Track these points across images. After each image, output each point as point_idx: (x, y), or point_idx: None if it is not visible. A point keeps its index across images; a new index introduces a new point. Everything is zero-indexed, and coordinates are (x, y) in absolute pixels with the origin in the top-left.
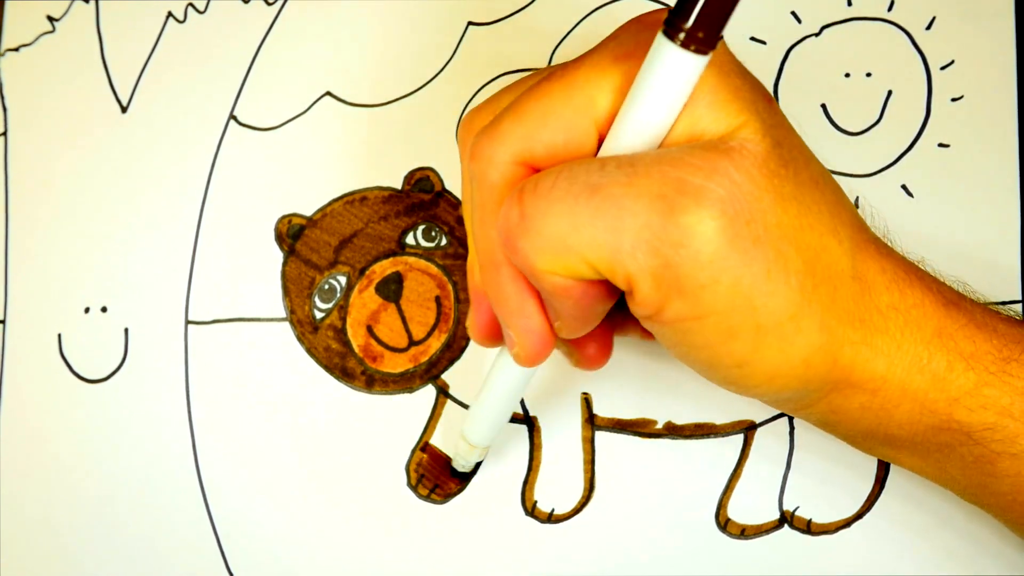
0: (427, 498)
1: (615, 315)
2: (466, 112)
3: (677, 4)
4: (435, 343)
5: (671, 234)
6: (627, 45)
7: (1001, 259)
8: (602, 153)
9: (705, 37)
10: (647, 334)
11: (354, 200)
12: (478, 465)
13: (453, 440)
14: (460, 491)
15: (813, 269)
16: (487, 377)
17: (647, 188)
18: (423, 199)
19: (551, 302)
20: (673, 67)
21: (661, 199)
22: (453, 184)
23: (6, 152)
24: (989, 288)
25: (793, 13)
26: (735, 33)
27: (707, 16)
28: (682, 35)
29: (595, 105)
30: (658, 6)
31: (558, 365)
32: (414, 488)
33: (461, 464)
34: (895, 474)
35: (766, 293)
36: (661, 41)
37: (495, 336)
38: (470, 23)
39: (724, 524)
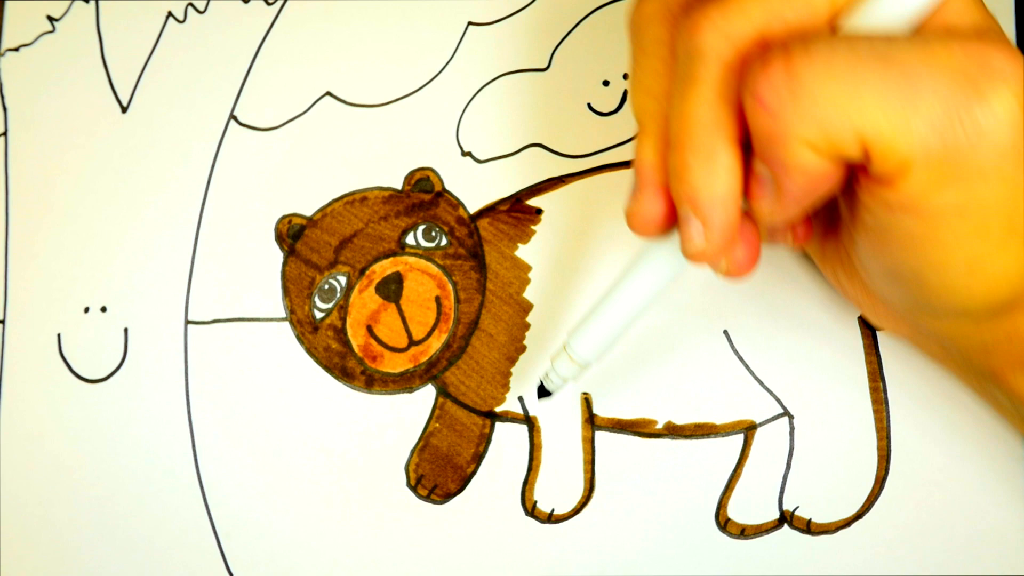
0: (427, 498)
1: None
2: None
3: None
4: (435, 343)
5: (974, 115)
6: None
7: None
8: (845, 34)
9: None
10: (799, 241)
11: (354, 200)
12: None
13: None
14: (460, 491)
15: None
16: (617, 284)
17: (949, 63)
18: (423, 199)
19: (781, 180)
20: None
21: (965, 76)
22: (453, 184)
23: (6, 152)
24: None
25: None
26: None
27: None
28: None
29: None
30: None
31: None
32: (414, 488)
33: (554, 382)
34: (895, 474)
35: None
36: None
37: (664, 224)
38: (470, 23)
39: (724, 524)
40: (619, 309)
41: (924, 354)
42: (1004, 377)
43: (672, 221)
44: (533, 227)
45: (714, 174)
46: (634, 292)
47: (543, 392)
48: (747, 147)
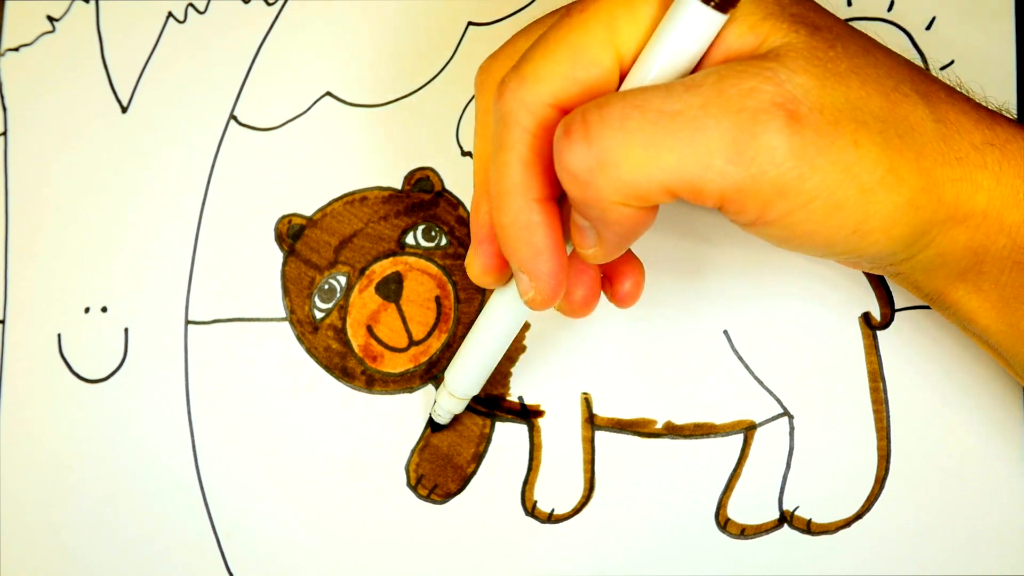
0: (427, 498)
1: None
2: (485, 60)
3: None
4: (435, 343)
5: (760, 142)
6: None
7: None
8: (632, 85)
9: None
10: (629, 297)
11: (354, 200)
12: (455, 418)
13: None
14: (460, 491)
15: (894, 124)
16: (476, 326)
17: (725, 105)
18: (423, 199)
19: (601, 231)
20: (698, 23)
21: (741, 112)
22: (453, 184)
23: (6, 152)
24: None
25: None
26: None
27: None
28: None
29: (618, 37)
30: None
31: (559, 364)
32: (414, 488)
33: (440, 415)
34: (895, 474)
35: (859, 159)
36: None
37: (498, 276)
38: (470, 23)
39: (724, 524)
40: (480, 348)
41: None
42: (947, 295)
43: (502, 271)
44: None
45: (529, 234)
46: (490, 332)
47: (435, 426)
48: (563, 197)
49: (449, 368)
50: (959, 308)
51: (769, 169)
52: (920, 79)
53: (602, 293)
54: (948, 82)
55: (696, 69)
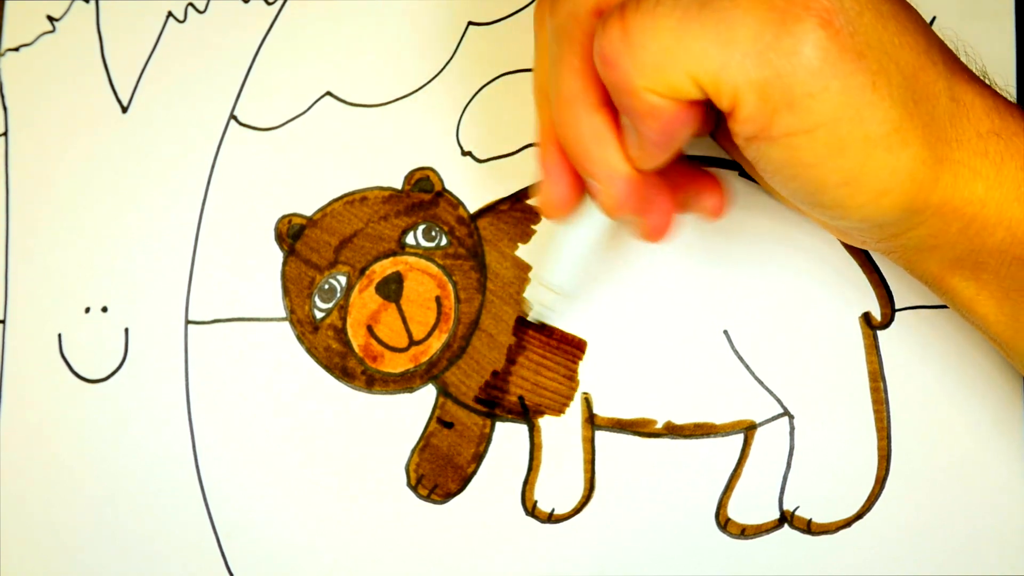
0: (427, 498)
1: (681, 185)
2: None
3: None
4: (435, 343)
5: (783, 43)
6: None
7: None
8: None
9: None
10: (715, 208)
11: (354, 200)
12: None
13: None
14: (460, 491)
15: (912, 85)
16: (561, 229)
17: (758, 2)
18: (423, 199)
19: (639, 126)
20: None
21: (772, 9)
22: (453, 184)
23: (6, 152)
24: None
25: None
26: None
27: None
28: None
29: None
30: None
31: (556, 365)
32: (414, 488)
33: (542, 313)
34: (895, 474)
35: (871, 104)
36: None
37: (570, 204)
38: (470, 23)
39: (724, 524)
40: (573, 251)
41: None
42: (944, 280)
43: (574, 198)
44: (534, 226)
45: (593, 135)
46: (581, 238)
47: (530, 323)
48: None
49: (539, 266)
50: (957, 295)
51: (787, 73)
52: (948, 54)
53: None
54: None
55: None
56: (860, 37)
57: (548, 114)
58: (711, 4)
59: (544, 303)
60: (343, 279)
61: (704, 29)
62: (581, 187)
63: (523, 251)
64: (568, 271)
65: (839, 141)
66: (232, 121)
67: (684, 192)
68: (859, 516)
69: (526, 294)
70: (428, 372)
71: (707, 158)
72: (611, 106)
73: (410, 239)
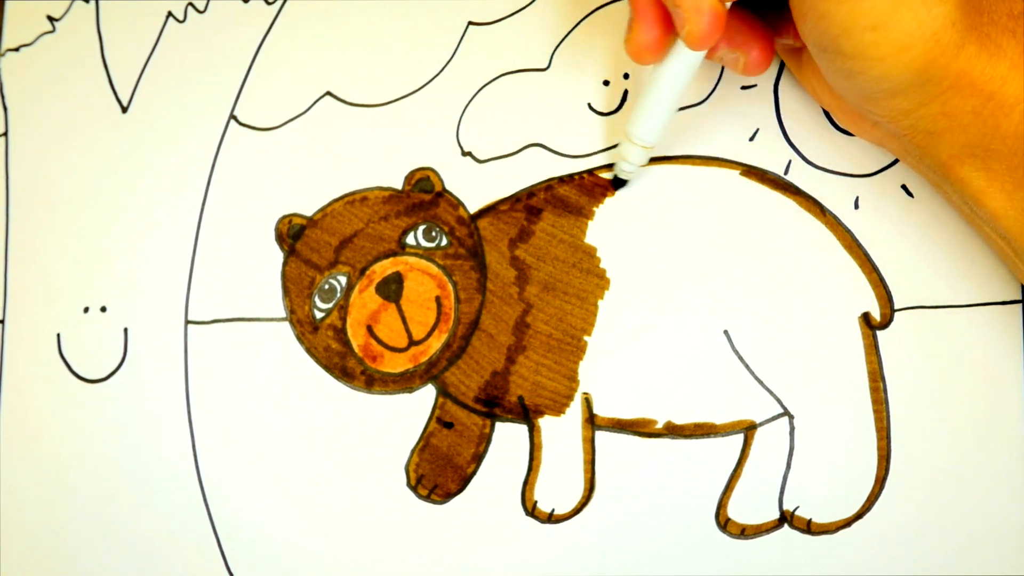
0: (427, 498)
1: (774, 22)
2: None
3: None
4: (435, 343)
5: None
6: None
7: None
8: None
9: None
10: (800, 38)
11: (354, 200)
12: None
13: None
14: (460, 491)
15: None
16: (647, 84)
17: None
18: (423, 199)
19: None
20: None
21: None
22: (453, 184)
23: (6, 152)
24: (989, 288)
25: None
26: None
27: None
28: None
29: None
30: None
31: (556, 365)
32: (414, 488)
33: (625, 169)
34: (895, 474)
35: None
36: None
37: (659, 46)
38: (470, 23)
39: (724, 524)
40: (659, 100)
41: (890, 152)
42: (953, 170)
43: (667, 39)
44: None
45: None
46: (668, 85)
47: (619, 183)
48: None
49: (630, 122)
50: (966, 187)
51: None
52: None
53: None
54: None
55: None
56: None
57: None
58: None
59: (632, 160)
60: (343, 279)
61: None
62: (669, 29)
63: (523, 251)
64: (657, 121)
65: None
66: (232, 121)
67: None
68: (859, 516)
69: (614, 154)
70: (428, 372)
71: (708, 157)
72: None
73: (410, 239)
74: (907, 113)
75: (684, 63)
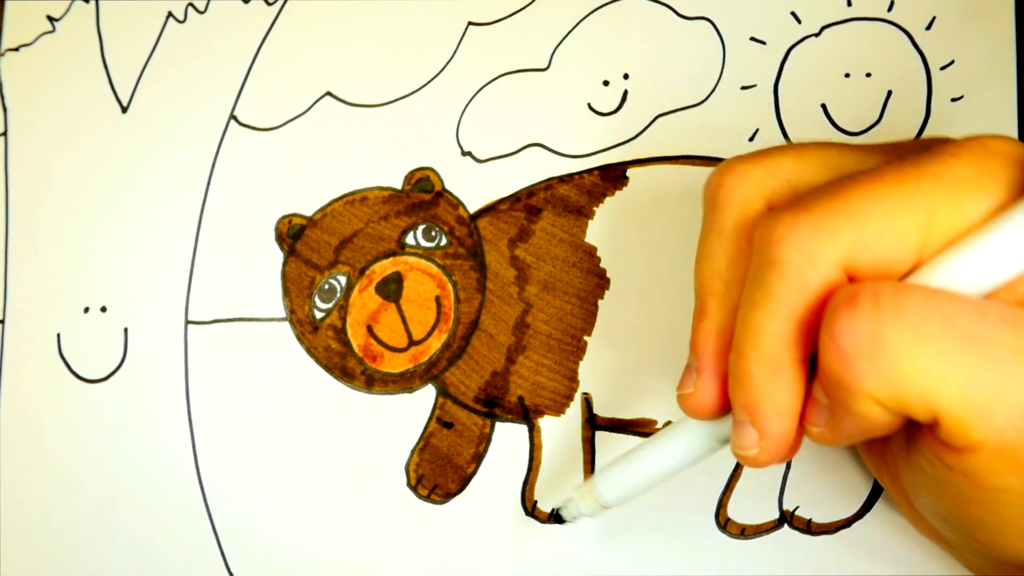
0: (427, 498)
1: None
2: (729, 160)
3: None
4: (435, 343)
5: None
6: (973, 169)
7: None
8: (920, 280)
9: None
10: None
11: (354, 200)
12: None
13: (570, 481)
14: (460, 491)
15: None
16: (656, 443)
17: None
18: (423, 199)
19: (840, 419)
20: None
21: None
22: (453, 184)
23: (6, 152)
24: None
25: (793, 13)
26: (735, 33)
27: None
28: None
29: (932, 225)
30: (658, 6)
31: (556, 365)
32: (414, 488)
33: (572, 515)
34: None
35: None
36: None
37: (718, 411)
38: (470, 23)
39: (724, 524)
40: (651, 467)
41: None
42: None
43: (725, 408)
44: (617, 191)
45: (777, 390)
46: (670, 457)
47: (558, 519)
48: (812, 363)
49: (604, 472)
50: None
51: None
52: None
53: None
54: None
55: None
56: None
57: (720, 312)
58: (987, 343)
59: (585, 512)
60: (343, 279)
61: (972, 371)
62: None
63: (523, 251)
64: (635, 491)
65: None
66: (232, 121)
67: None
68: (859, 516)
69: (568, 497)
70: (428, 372)
71: (708, 157)
72: (806, 367)
73: (410, 239)
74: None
75: (708, 447)
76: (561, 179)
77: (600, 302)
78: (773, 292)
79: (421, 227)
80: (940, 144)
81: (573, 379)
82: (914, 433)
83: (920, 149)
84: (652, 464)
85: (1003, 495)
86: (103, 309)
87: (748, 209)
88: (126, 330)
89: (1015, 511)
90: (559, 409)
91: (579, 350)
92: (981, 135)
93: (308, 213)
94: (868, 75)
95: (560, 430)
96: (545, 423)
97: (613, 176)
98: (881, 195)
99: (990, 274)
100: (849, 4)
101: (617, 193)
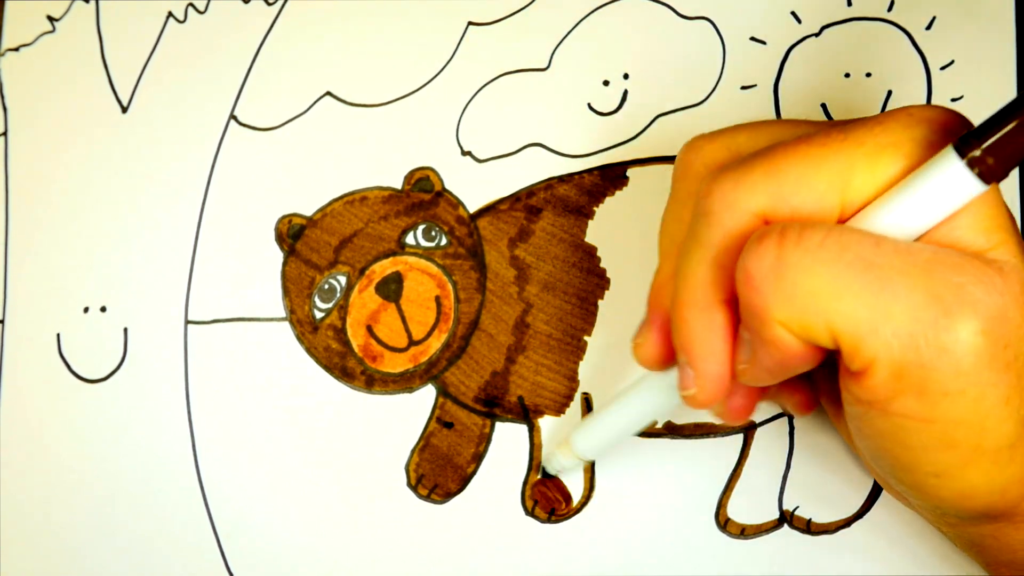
0: (427, 498)
1: (817, 378)
2: (694, 137)
3: (980, 126)
4: (435, 343)
5: (938, 336)
6: (895, 135)
7: None
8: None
9: (995, 166)
10: (802, 407)
11: (354, 200)
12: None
13: (553, 437)
14: (460, 491)
15: None
16: (620, 397)
17: (925, 283)
18: (423, 199)
19: (757, 349)
20: (953, 183)
21: (938, 300)
22: (453, 184)
23: (6, 152)
24: None
25: (793, 13)
26: (735, 33)
27: (1006, 147)
28: (976, 155)
29: (850, 184)
30: (658, 6)
31: (556, 365)
32: (414, 488)
33: (552, 466)
34: None
35: (999, 418)
36: (949, 154)
37: (664, 363)
38: (470, 23)
39: (724, 524)
40: (618, 421)
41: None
42: (995, 572)
43: (672, 359)
44: (617, 192)
45: (707, 332)
46: (634, 409)
47: (544, 474)
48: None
49: (578, 429)
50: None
51: (931, 366)
52: None
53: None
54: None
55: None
56: (1011, 350)
57: (670, 268)
58: (878, 267)
59: (565, 466)
60: (343, 279)
61: (863, 290)
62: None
63: (523, 251)
64: (608, 444)
65: (951, 440)
66: (232, 121)
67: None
68: (859, 516)
69: (548, 450)
70: (428, 372)
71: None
72: (733, 310)
73: (410, 239)
74: (952, 526)
75: (666, 400)
76: (561, 179)
77: (600, 302)
78: (700, 239)
79: (421, 227)
80: (875, 115)
81: (573, 379)
82: (837, 376)
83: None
84: (619, 418)
85: (906, 421)
86: (103, 309)
87: (697, 178)
88: (126, 330)
89: (922, 440)
90: (559, 409)
91: (579, 350)
92: (911, 105)
93: (308, 213)
94: (868, 75)
95: (560, 430)
96: (545, 423)
97: (613, 176)
98: (802, 156)
99: (901, 226)
100: (849, 4)
101: (617, 193)
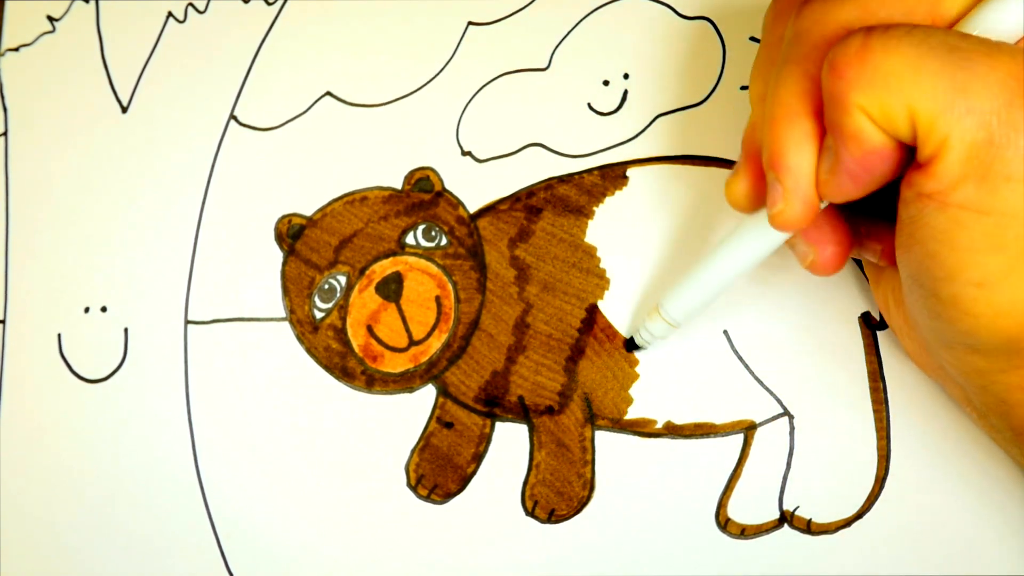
0: (427, 498)
1: (861, 228)
2: None
3: None
4: (435, 343)
5: (1012, 116)
6: None
7: None
8: None
9: None
10: (885, 257)
11: (354, 200)
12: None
13: (638, 311)
14: (460, 491)
15: None
16: (712, 253)
17: (1007, 66)
18: (423, 199)
19: (839, 148)
20: None
21: (1018, 81)
22: (453, 184)
23: (6, 152)
24: None
25: None
26: (735, 33)
27: None
28: None
29: (941, 3)
30: (658, 6)
31: (556, 365)
32: (414, 488)
33: (645, 339)
34: (895, 474)
35: None
36: None
37: (754, 204)
38: (470, 23)
39: (724, 524)
40: (711, 277)
41: (948, 394)
42: (1021, 436)
43: (762, 200)
44: (617, 191)
45: (794, 140)
46: (726, 262)
47: (633, 346)
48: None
49: (669, 294)
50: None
51: (1002, 145)
52: None
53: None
54: None
55: None
56: None
57: (761, 112)
58: (961, 50)
59: (656, 334)
60: (343, 279)
61: (944, 69)
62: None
63: (523, 251)
64: (698, 304)
65: (1003, 239)
66: (232, 121)
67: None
68: (859, 516)
69: (637, 320)
70: (428, 372)
71: (708, 157)
72: (821, 121)
73: (410, 239)
74: (982, 374)
75: (757, 244)
76: (561, 179)
77: (600, 302)
78: (791, 56)
79: (421, 227)
80: None
81: (573, 379)
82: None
83: None
84: (711, 274)
85: (962, 213)
86: (103, 309)
87: (786, 20)
88: (126, 330)
89: (973, 239)
90: (559, 409)
91: (579, 350)
92: None
93: (308, 213)
94: None
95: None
96: (545, 423)
97: (613, 176)
98: None
99: (998, 26)
100: None
101: (617, 193)
